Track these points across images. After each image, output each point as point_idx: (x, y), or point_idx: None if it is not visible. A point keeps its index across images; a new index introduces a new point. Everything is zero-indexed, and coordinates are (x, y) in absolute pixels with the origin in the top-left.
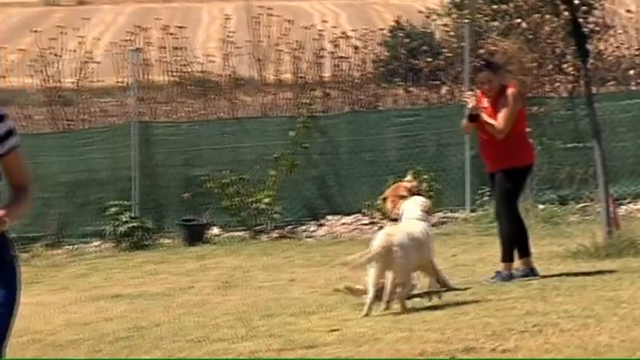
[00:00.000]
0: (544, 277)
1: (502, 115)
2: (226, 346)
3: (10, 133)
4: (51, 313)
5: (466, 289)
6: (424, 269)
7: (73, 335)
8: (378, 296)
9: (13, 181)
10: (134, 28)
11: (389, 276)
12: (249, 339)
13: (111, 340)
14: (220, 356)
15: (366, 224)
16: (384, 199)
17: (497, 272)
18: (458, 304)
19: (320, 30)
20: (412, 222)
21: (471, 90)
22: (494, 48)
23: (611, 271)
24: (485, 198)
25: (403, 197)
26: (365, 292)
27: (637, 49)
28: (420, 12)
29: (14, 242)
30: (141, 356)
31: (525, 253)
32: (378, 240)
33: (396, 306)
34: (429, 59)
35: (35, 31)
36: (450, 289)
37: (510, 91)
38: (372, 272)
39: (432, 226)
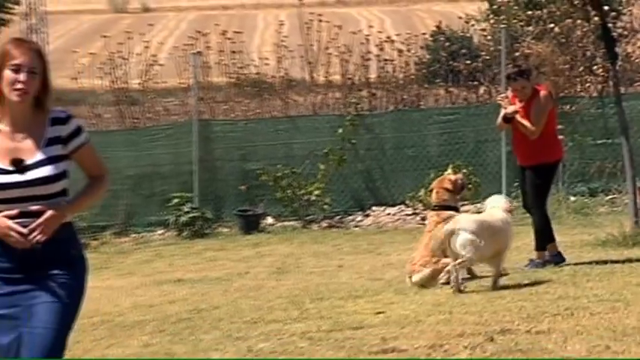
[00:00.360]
0: (575, 264)
1: (534, 117)
2: (280, 327)
3: (75, 133)
4: (119, 296)
5: (504, 273)
6: (499, 255)
7: (139, 316)
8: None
9: (89, 173)
10: (195, 34)
11: (451, 259)
12: (301, 320)
13: (174, 321)
14: (274, 336)
15: (408, 215)
16: (430, 191)
17: (531, 260)
18: (495, 288)
19: (366, 35)
20: (494, 211)
21: (505, 92)
22: (528, 51)
23: (638, 259)
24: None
25: (446, 189)
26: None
27: None
28: (460, 18)
29: (80, 235)
30: (201, 336)
31: (548, 241)
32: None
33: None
34: (468, 62)
35: (104, 37)
36: (474, 276)
37: (542, 94)
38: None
39: None
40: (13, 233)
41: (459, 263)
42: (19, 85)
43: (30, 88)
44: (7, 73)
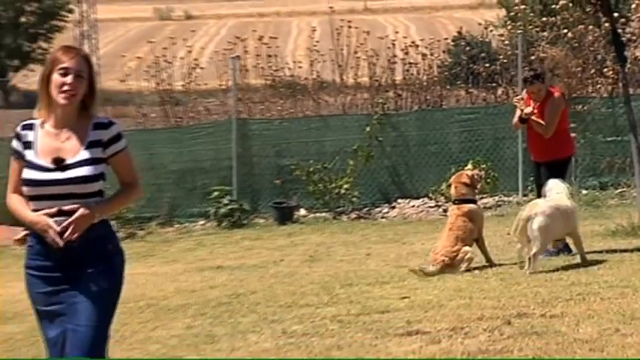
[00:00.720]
0: (587, 252)
1: (548, 117)
2: (312, 310)
3: (115, 139)
4: (163, 282)
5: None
6: (572, 236)
7: (182, 300)
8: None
9: (121, 179)
10: (234, 39)
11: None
12: (332, 305)
13: (214, 305)
14: (307, 319)
15: (431, 207)
16: (449, 185)
17: (547, 249)
18: (512, 275)
19: (392, 40)
20: (561, 197)
21: (520, 94)
22: (543, 55)
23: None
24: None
25: (465, 184)
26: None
27: None
28: (479, 24)
29: (127, 225)
30: (239, 319)
31: None
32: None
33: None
34: (487, 65)
35: (150, 42)
36: (492, 264)
37: (555, 95)
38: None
39: (489, 208)
40: (51, 232)
41: (537, 250)
42: (66, 88)
43: (77, 91)
44: (56, 77)
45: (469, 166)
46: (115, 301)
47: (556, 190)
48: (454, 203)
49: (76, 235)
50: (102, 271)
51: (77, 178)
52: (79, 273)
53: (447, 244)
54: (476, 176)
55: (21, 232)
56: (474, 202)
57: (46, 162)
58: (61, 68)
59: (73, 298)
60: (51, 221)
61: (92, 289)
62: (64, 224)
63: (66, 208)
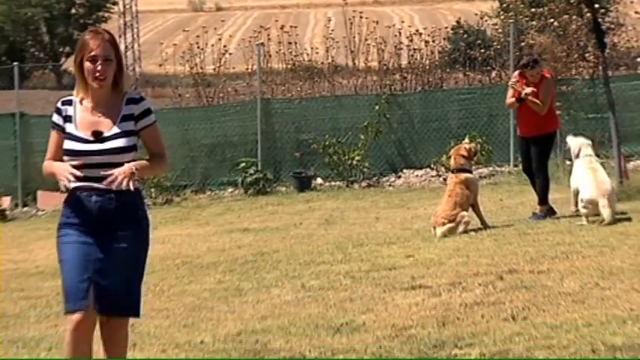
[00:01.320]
0: (570, 216)
1: (543, 97)
2: (327, 267)
3: (145, 113)
4: (197, 242)
5: (510, 224)
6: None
7: (213, 258)
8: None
9: (150, 150)
10: (259, 28)
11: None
12: (345, 262)
13: (241, 263)
14: (323, 275)
15: (433, 176)
16: (449, 157)
17: (534, 213)
18: (504, 236)
19: (399, 29)
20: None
21: (514, 77)
22: (532, 42)
23: (622, 212)
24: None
25: (463, 156)
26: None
27: None
28: (476, 14)
29: (164, 193)
30: (263, 275)
31: (545, 199)
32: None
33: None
34: (482, 50)
35: (185, 31)
36: (486, 227)
37: (547, 78)
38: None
39: (483, 177)
40: (68, 174)
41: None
42: (97, 74)
43: (106, 75)
44: (87, 64)
45: (466, 140)
46: (143, 260)
47: (585, 153)
48: (453, 172)
49: (125, 184)
50: (132, 234)
51: (114, 149)
52: (112, 233)
53: (447, 209)
54: (472, 149)
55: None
56: (470, 171)
57: (86, 134)
58: (91, 56)
59: (110, 255)
60: (69, 167)
61: (128, 249)
62: (116, 173)
63: (105, 173)
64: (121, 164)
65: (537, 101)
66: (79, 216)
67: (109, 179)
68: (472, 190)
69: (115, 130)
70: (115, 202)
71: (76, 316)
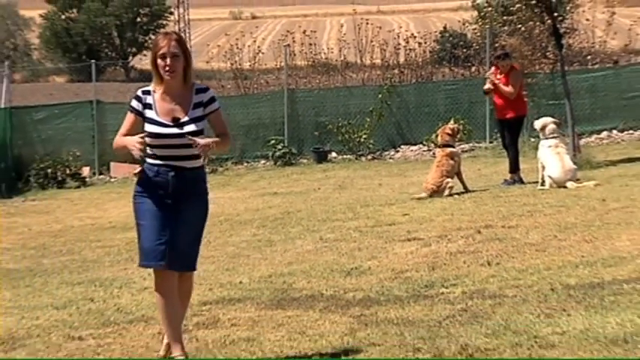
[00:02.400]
0: (534, 182)
1: (513, 83)
2: (340, 223)
3: (211, 100)
4: (236, 203)
5: (486, 189)
6: None
7: (249, 216)
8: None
9: (216, 132)
10: (286, 33)
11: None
12: (354, 219)
13: (271, 220)
14: (337, 230)
15: (425, 151)
16: (437, 135)
17: (505, 180)
18: (482, 198)
19: (397, 33)
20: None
21: (490, 70)
22: (504, 43)
23: (576, 179)
24: (496, 137)
25: (448, 134)
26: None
27: (592, 44)
28: (459, 21)
29: (210, 163)
30: (289, 229)
31: (517, 169)
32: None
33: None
34: (464, 50)
35: (227, 35)
36: (467, 191)
37: (516, 69)
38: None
39: (465, 151)
40: (136, 144)
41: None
42: (167, 68)
43: (176, 68)
44: (159, 61)
45: (451, 122)
46: (203, 224)
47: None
48: (440, 147)
49: (208, 151)
50: (197, 204)
51: (190, 131)
52: (182, 202)
53: (435, 177)
54: (455, 129)
55: (138, 167)
56: (454, 146)
57: (166, 120)
58: (161, 54)
59: (180, 220)
60: (136, 140)
61: (194, 216)
62: (200, 141)
63: (192, 139)
64: (191, 145)
65: (506, 88)
66: (156, 187)
67: (200, 144)
68: (456, 161)
69: (190, 115)
70: (186, 178)
71: (159, 273)
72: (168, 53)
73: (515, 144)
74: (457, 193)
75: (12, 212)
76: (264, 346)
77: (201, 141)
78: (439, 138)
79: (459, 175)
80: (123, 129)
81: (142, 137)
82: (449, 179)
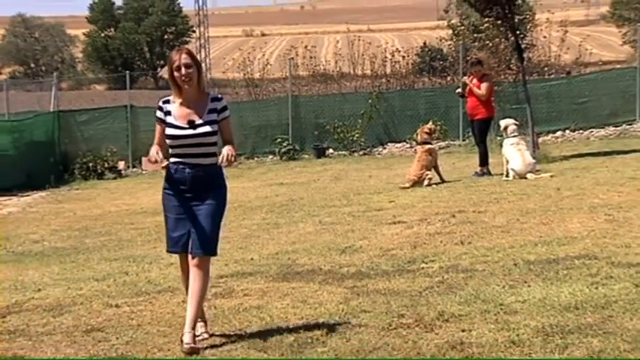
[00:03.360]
0: (499, 174)
1: (485, 87)
2: (336, 209)
3: (224, 108)
4: (248, 192)
5: (459, 180)
6: None
7: (259, 203)
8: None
9: (224, 138)
10: (290, 48)
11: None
12: (348, 205)
13: (278, 206)
14: (334, 214)
15: (408, 147)
16: (417, 134)
17: (476, 172)
18: (456, 187)
19: (385, 48)
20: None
21: (465, 77)
22: (475, 57)
23: (535, 171)
24: (468, 135)
25: (427, 133)
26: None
27: (548, 57)
28: (437, 38)
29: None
30: (293, 214)
31: (486, 163)
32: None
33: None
34: (441, 62)
35: (240, 49)
36: (444, 181)
37: (487, 74)
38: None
39: (442, 148)
40: (154, 154)
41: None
42: (183, 78)
43: (190, 77)
44: (175, 73)
45: (429, 123)
46: (222, 214)
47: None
48: (420, 144)
49: (232, 159)
50: (215, 195)
51: (204, 133)
52: (201, 195)
53: (416, 169)
54: (432, 129)
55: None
56: (431, 144)
57: (183, 123)
58: (176, 66)
59: (196, 210)
60: (153, 151)
61: (211, 206)
62: (228, 152)
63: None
64: (207, 144)
65: (479, 91)
66: (178, 183)
67: (223, 158)
68: (433, 156)
69: (204, 119)
70: (202, 173)
71: (181, 257)
72: (182, 64)
73: (483, 142)
74: (435, 184)
75: (59, 200)
76: (272, 313)
77: (224, 151)
78: (419, 137)
79: (436, 168)
80: (156, 139)
81: (164, 166)
82: (428, 172)
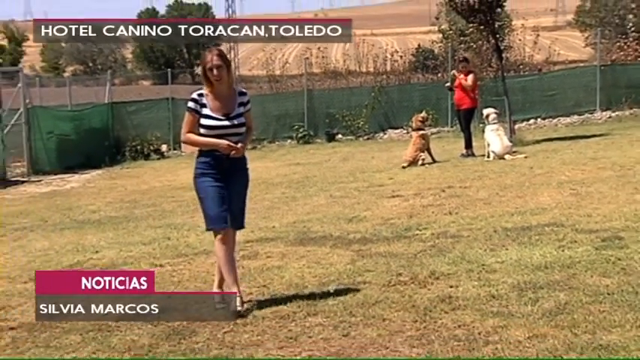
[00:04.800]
0: (481, 156)
1: (470, 79)
2: (345, 185)
3: (248, 102)
4: (270, 171)
5: (448, 160)
6: None
7: (279, 180)
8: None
9: (247, 124)
10: (306, 49)
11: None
12: (354, 182)
13: (295, 182)
14: (342, 189)
15: (405, 133)
16: (412, 122)
17: (462, 154)
18: (445, 167)
19: (385, 49)
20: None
21: (454, 71)
22: (461, 57)
23: (512, 152)
24: (455, 123)
25: (420, 121)
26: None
27: (523, 57)
28: (429, 40)
29: (250, 142)
30: (308, 190)
31: (470, 146)
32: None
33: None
34: (433, 61)
35: (263, 50)
36: (435, 162)
37: (473, 70)
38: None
39: (433, 134)
40: (227, 147)
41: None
42: (215, 77)
43: (221, 76)
44: (208, 72)
45: (423, 112)
46: (246, 191)
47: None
48: (414, 130)
49: (240, 154)
50: (242, 177)
51: (237, 124)
52: (231, 177)
53: (412, 151)
54: (425, 117)
55: (240, 144)
56: (424, 129)
57: (219, 115)
58: (209, 67)
59: (229, 189)
60: (226, 143)
61: (238, 187)
62: (239, 145)
63: (237, 145)
64: (239, 134)
65: (464, 82)
66: (212, 168)
67: (235, 150)
68: (426, 140)
69: (236, 111)
70: (232, 158)
71: (222, 233)
72: (213, 66)
73: (468, 128)
74: (427, 164)
75: (113, 177)
76: (290, 272)
77: (241, 145)
78: (414, 124)
79: (429, 150)
80: (188, 127)
81: (230, 145)
82: (422, 153)
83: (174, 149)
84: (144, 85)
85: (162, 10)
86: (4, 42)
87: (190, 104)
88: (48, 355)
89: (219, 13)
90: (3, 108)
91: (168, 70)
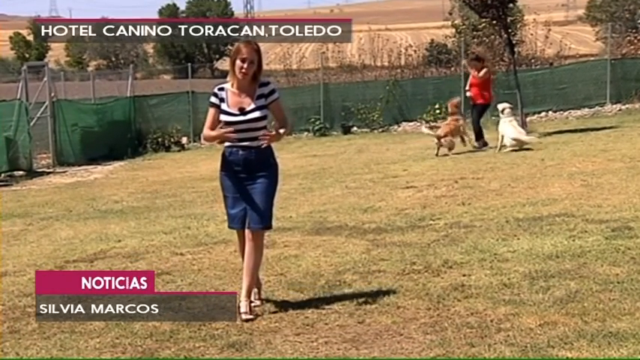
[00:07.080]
0: (494, 147)
1: (483, 72)
2: (359, 176)
3: (272, 92)
4: (287, 162)
5: (461, 152)
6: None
7: (296, 171)
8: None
9: (277, 119)
10: (321, 44)
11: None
12: (369, 173)
13: (312, 173)
14: (357, 180)
15: (418, 125)
16: (448, 106)
17: (474, 146)
18: (458, 158)
19: (399, 43)
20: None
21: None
22: (474, 51)
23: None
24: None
25: (455, 106)
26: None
27: (534, 51)
28: (443, 35)
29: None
30: (324, 181)
31: (481, 137)
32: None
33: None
34: (446, 55)
35: (280, 45)
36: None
37: (486, 67)
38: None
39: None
40: (227, 134)
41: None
42: (243, 70)
43: (248, 72)
44: (238, 62)
45: (457, 98)
46: (275, 190)
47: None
48: (450, 115)
49: (268, 143)
50: (267, 174)
51: (252, 119)
52: (254, 174)
53: (445, 129)
54: (458, 102)
55: (228, 128)
56: (459, 114)
57: (235, 110)
58: (242, 58)
59: (251, 188)
60: (223, 131)
61: (263, 184)
62: (268, 134)
63: (260, 139)
64: (257, 129)
65: (478, 75)
66: (232, 164)
67: (265, 138)
68: (459, 125)
69: (253, 105)
70: (254, 155)
71: (239, 232)
72: (247, 60)
73: (478, 122)
74: (443, 155)
75: (135, 168)
76: (306, 261)
77: (267, 137)
78: (449, 109)
79: (462, 135)
80: (209, 123)
81: (226, 130)
82: (451, 137)
83: (194, 141)
84: (165, 79)
85: (182, 6)
86: (30, 37)
87: (212, 99)
88: (73, 340)
89: (238, 9)
90: (29, 101)
91: (189, 64)
